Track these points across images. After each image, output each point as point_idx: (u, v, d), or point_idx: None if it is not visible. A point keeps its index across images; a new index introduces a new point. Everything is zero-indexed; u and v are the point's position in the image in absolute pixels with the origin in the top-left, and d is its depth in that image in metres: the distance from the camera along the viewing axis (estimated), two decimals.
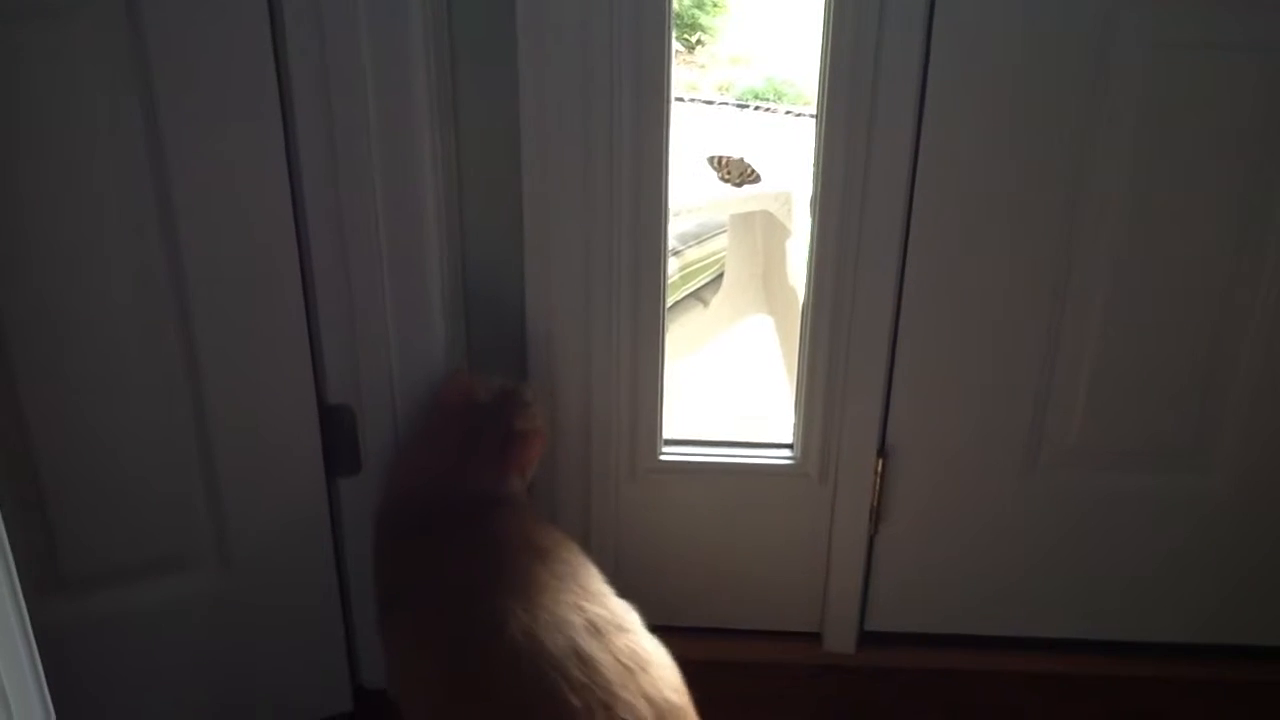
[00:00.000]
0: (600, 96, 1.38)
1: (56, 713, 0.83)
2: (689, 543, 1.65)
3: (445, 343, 1.42)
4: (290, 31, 1.23)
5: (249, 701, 1.49)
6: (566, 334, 1.51)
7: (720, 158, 2.92)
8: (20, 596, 0.77)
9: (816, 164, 1.44)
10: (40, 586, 1.27)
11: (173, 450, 1.34)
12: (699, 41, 4.35)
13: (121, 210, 1.22)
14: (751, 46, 4.27)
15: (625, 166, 1.42)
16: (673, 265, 2.72)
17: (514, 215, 1.45)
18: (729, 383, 2.57)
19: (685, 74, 4.11)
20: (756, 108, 3.61)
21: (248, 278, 1.30)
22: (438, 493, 1.30)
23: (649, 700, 1.08)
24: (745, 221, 3.03)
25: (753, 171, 2.90)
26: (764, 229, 3.04)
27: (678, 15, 4.10)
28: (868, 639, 1.69)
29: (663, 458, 1.61)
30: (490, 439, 1.32)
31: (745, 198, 2.91)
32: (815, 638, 1.70)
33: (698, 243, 2.90)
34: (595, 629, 1.12)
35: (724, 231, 2.98)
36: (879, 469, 1.58)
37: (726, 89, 4.05)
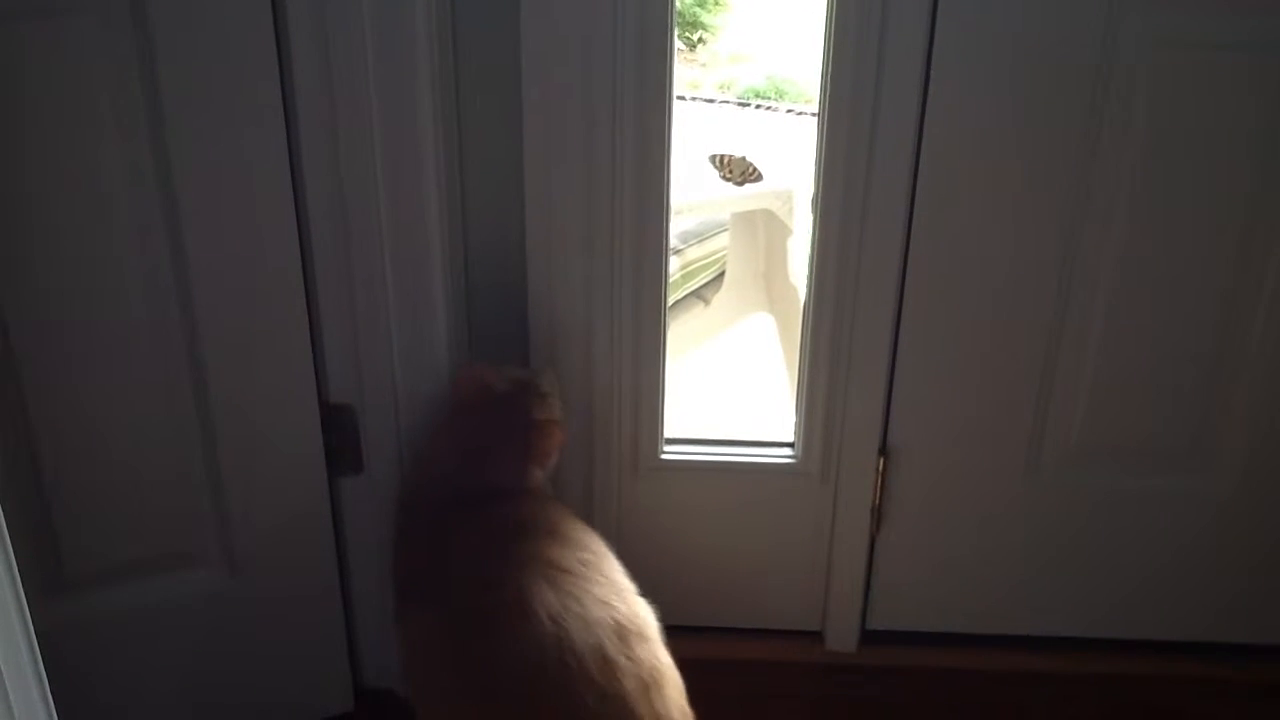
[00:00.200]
0: (602, 94, 1.38)
1: (60, 711, 0.83)
2: (690, 541, 1.65)
3: (448, 344, 1.42)
4: (294, 31, 1.23)
5: (250, 700, 1.49)
6: (568, 333, 1.51)
7: (722, 156, 2.92)
8: (22, 597, 0.77)
9: (818, 162, 1.44)
10: (44, 586, 1.27)
11: (175, 450, 1.34)
12: (700, 40, 4.35)
13: (126, 210, 1.22)
14: (753, 44, 4.26)
15: (627, 164, 1.42)
16: (674, 264, 2.72)
17: (516, 215, 1.45)
18: (730, 382, 2.57)
19: (687, 72, 4.11)
20: (758, 106, 3.61)
21: (250, 277, 1.30)
22: (457, 486, 1.29)
23: None
24: (747, 220, 3.03)
25: (754, 170, 2.90)
26: (765, 227, 3.04)
27: (679, 13, 4.09)
28: (869, 638, 1.69)
29: (664, 456, 1.61)
30: (508, 431, 1.30)
31: (747, 196, 2.91)
32: (816, 636, 1.70)
33: (699, 241, 2.90)
34: (622, 632, 1.12)
35: (725, 230, 2.98)
36: (880, 468, 1.58)
37: (728, 87, 4.05)
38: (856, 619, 1.68)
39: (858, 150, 1.41)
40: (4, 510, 0.74)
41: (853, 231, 1.45)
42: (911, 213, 1.43)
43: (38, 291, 1.21)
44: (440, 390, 1.41)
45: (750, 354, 2.76)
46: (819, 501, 1.62)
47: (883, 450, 1.57)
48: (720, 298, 2.96)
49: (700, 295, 2.92)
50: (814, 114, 1.51)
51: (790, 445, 1.62)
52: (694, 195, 2.82)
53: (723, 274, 2.98)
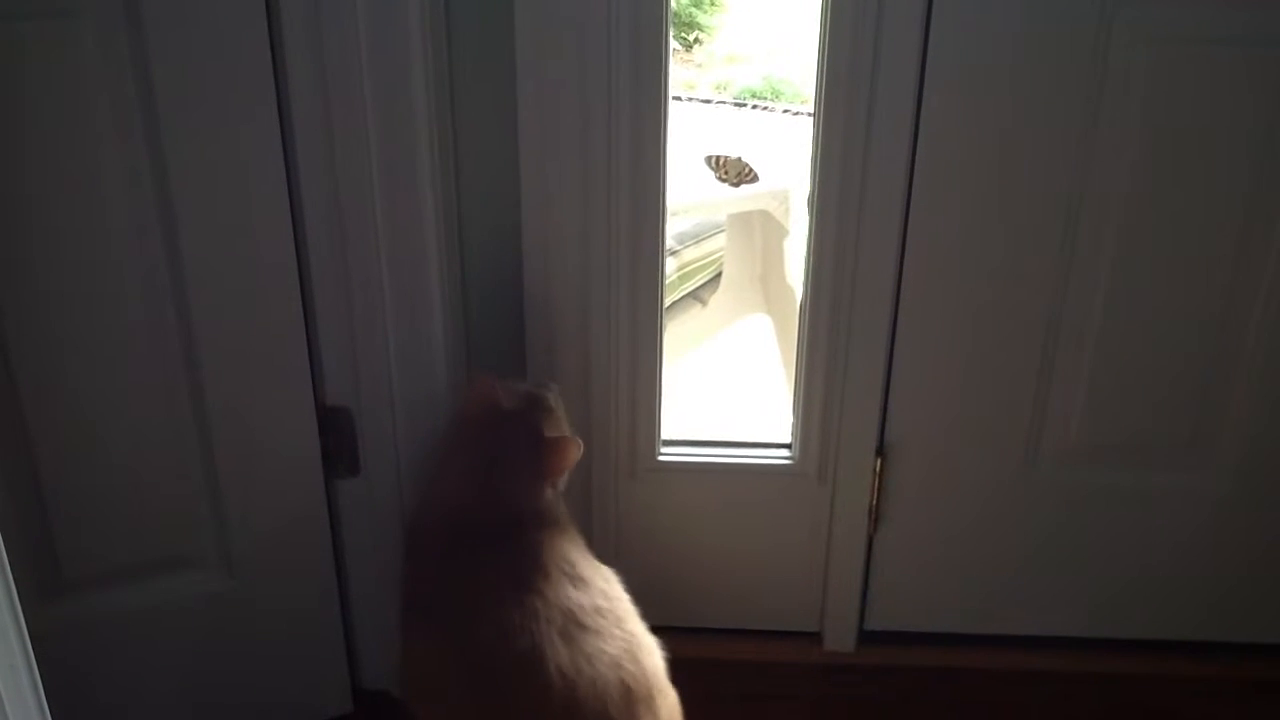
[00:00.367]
0: (598, 95, 1.38)
1: (59, 713, 0.83)
2: (688, 542, 1.65)
3: (444, 345, 1.42)
4: (288, 31, 1.23)
5: (248, 702, 1.49)
6: (565, 334, 1.51)
7: (718, 157, 2.92)
8: (16, 600, 0.76)
9: (814, 163, 1.44)
10: (42, 588, 1.27)
11: (172, 452, 1.34)
12: (696, 40, 4.35)
13: (123, 212, 1.22)
14: (749, 45, 4.26)
15: (623, 165, 1.42)
16: (671, 265, 2.72)
17: (512, 216, 1.45)
18: (728, 383, 2.57)
19: (682, 73, 4.11)
20: (754, 107, 3.61)
21: (247, 278, 1.30)
22: (469, 509, 1.26)
23: None
24: (743, 221, 3.03)
25: (750, 171, 2.90)
26: (762, 228, 3.04)
27: (675, 14, 4.09)
28: (867, 638, 1.69)
29: (661, 458, 1.61)
30: (518, 450, 1.27)
31: (743, 197, 2.91)
32: (815, 637, 1.70)
33: (695, 242, 2.90)
34: (629, 696, 1.12)
35: (722, 231, 2.98)
36: (878, 468, 1.58)
37: (724, 88, 4.04)
38: (854, 619, 1.68)
39: (853, 150, 1.41)
40: (1, 513, 0.74)
41: (849, 232, 1.45)
42: (907, 212, 1.43)
43: (35, 294, 1.21)
44: (438, 392, 1.41)
45: (747, 355, 2.76)
46: (816, 502, 1.62)
47: (880, 450, 1.57)
48: (717, 299, 2.96)
49: (697, 296, 2.93)
50: (810, 114, 1.51)
51: (788, 446, 1.62)
52: (690, 196, 2.82)
53: (719, 275, 2.98)
